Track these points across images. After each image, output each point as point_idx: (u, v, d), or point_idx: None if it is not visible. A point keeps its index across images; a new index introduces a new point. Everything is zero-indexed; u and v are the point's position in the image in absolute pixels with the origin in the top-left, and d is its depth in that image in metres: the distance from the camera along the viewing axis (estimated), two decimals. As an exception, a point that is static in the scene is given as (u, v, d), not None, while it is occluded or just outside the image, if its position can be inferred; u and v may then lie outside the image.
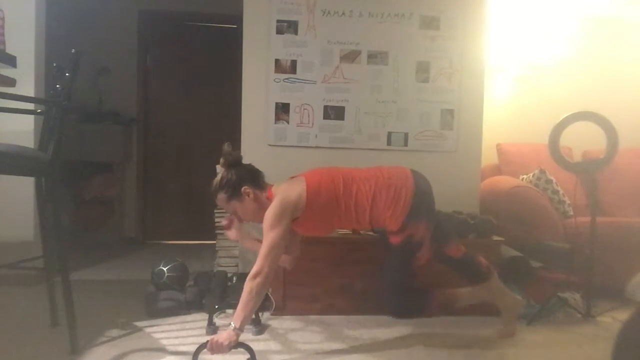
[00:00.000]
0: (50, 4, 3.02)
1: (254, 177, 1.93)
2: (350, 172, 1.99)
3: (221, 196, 1.90)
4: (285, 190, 1.88)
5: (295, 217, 1.86)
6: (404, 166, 2.08)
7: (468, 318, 2.33)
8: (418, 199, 1.92)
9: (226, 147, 1.91)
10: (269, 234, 1.78)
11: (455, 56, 2.87)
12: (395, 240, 1.92)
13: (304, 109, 2.83)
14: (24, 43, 2.77)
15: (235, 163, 1.91)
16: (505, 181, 3.07)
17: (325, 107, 2.84)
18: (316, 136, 2.84)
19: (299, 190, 1.87)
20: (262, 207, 1.88)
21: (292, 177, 2.01)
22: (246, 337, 2.04)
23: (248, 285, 1.70)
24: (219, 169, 2.84)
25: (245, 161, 2.79)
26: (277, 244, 1.77)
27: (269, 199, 1.88)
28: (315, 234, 2.09)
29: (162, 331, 2.11)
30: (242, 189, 1.87)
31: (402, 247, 1.93)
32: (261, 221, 1.87)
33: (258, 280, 1.69)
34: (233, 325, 1.67)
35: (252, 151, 2.83)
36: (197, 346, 1.68)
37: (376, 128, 2.86)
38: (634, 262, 2.60)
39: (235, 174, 1.88)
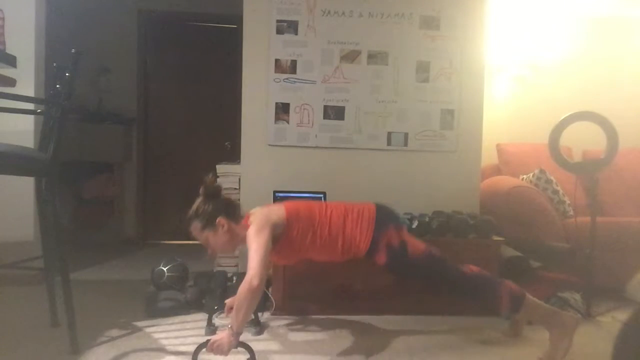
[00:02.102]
0: (50, 4, 3.02)
1: (229, 210, 1.92)
2: (324, 203, 2.06)
3: (195, 225, 1.89)
4: (264, 211, 1.90)
5: (274, 234, 1.84)
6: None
7: (468, 318, 2.34)
8: (380, 212, 1.97)
9: (209, 177, 1.93)
10: (255, 240, 1.77)
11: (455, 56, 2.87)
12: (380, 259, 1.91)
13: (304, 109, 2.83)
14: (24, 43, 2.77)
15: (214, 194, 1.92)
16: (505, 181, 3.07)
17: (325, 107, 2.84)
18: (316, 136, 2.84)
19: (278, 212, 1.89)
20: (234, 239, 1.91)
21: (271, 205, 2.03)
22: (246, 337, 2.04)
23: (244, 289, 1.68)
24: (219, 169, 2.86)
25: (245, 160, 2.82)
26: (265, 248, 1.76)
27: (245, 227, 1.87)
28: (287, 263, 2.14)
29: (162, 331, 2.11)
30: (217, 220, 1.87)
31: (408, 262, 1.91)
32: (231, 252, 1.95)
33: (254, 283, 1.68)
34: (232, 329, 1.66)
35: (252, 151, 2.84)
36: (196, 346, 1.68)
37: (376, 128, 2.86)
38: (634, 262, 2.60)
39: (212, 205, 1.89)
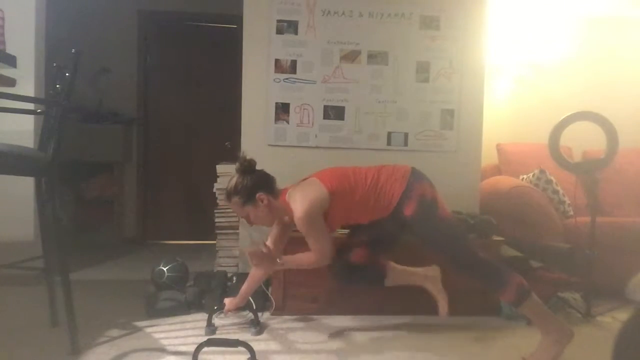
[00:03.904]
0: (50, 4, 3.02)
1: (268, 184, 2.00)
2: (355, 167, 2.10)
3: (235, 200, 1.96)
4: (303, 192, 1.93)
5: (322, 212, 1.92)
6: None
7: (469, 318, 2.34)
8: (415, 170, 2.04)
9: (242, 153, 2.00)
10: (313, 231, 1.89)
11: (455, 56, 2.87)
12: (409, 209, 1.91)
13: (304, 109, 2.83)
14: (24, 43, 2.77)
15: (250, 169, 1.99)
16: (505, 181, 3.07)
17: (325, 107, 2.84)
18: (316, 136, 2.84)
19: (317, 189, 1.93)
20: (274, 213, 1.98)
21: (304, 180, 2.05)
22: (246, 337, 2.04)
23: (310, 261, 1.91)
24: (219, 169, 2.86)
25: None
26: (324, 234, 1.90)
27: (283, 203, 1.96)
28: (349, 223, 2.16)
29: (162, 331, 2.12)
30: (257, 195, 1.93)
31: (434, 220, 1.94)
32: (271, 224, 2.04)
33: (322, 263, 1.89)
34: (281, 260, 1.85)
35: (252, 151, 2.80)
36: (197, 346, 1.68)
37: (376, 128, 2.86)
38: (634, 262, 2.59)
39: (250, 180, 1.95)
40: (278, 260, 1.91)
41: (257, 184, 1.96)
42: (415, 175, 1.99)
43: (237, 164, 1.98)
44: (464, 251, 1.93)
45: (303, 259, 1.94)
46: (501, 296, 1.90)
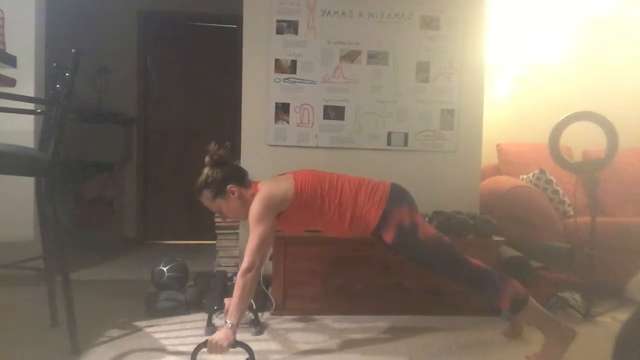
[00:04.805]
0: (50, 4, 3.02)
1: (238, 176, 1.94)
2: (337, 174, 2.02)
3: (206, 194, 1.91)
4: (270, 186, 1.89)
5: (280, 211, 1.86)
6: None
7: (469, 318, 2.34)
8: (394, 190, 1.95)
9: (212, 145, 1.92)
10: (257, 228, 1.78)
11: (455, 56, 2.87)
12: (388, 236, 1.88)
13: (304, 109, 2.83)
14: (24, 43, 2.77)
15: (220, 162, 1.92)
16: (505, 181, 3.07)
17: (325, 107, 2.84)
18: (316, 136, 2.84)
19: (285, 186, 1.88)
20: (246, 205, 1.88)
21: (281, 175, 2.01)
22: (246, 337, 2.04)
23: (241, 281, 1.71)
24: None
25: (245, 161, 2.82)
26: (265, 237, 1.78)
27: (255, 193, 1.88)
28: (294, 230, 2.11)
29: (162, 331, 2.11)
30: (227, 187, 1.88)
31: (416, 243, 1.88)
32: (245, 218, 1.89)
33: (250, 274, 1.70)
34: (229, 322, 1.67)
35: (252, 151, 2.83)
36: (195, 346, 1.67)
37: (376, 128, 2.86)
38: (634, 262, 2.60)
39: (220, 173, 1.89)
40: (229, 327, 1.67)
41: (227, 176, 1.89)
42: (394, 197, 1.92)
43: (207, 156, 1.91)
44: (454, 266, 1.90)
45: (237, 292, 1.71)
46: (497, 305, 1.90)
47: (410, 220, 1.88)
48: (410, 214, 1.90)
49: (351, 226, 1.92)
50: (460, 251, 1.92)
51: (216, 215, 2.82)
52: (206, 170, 1.91)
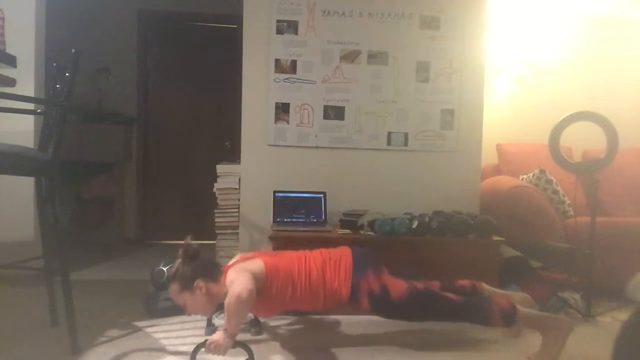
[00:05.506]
0: (50, 4, 3.02)
1: (208, 271, 1.89)
2: (302, 253, 2.01)
3: (174, 287, 1.86)
4: (242, 263, 1.88)
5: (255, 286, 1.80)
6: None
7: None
8: (356, 257, 1.96)
9: (187, 239, 1.90)
10: (238, 277, 1.74)
11: (455, 56, 2.87)
12: (363, 305, 1.90)
13: (304, 109, 2.83)
14: (24, 43, 2.77)
15: (193, 256, 1.89)
16: (505, 181, 3.07)
17: (325, 107, 2.84)
18: (316, 136, 2.84)
19: (258, 265, 1.86)
20: (212, 301, 1.87)
21: (245, 257, 1.98)
22: (245, 337, 2.04)
23: (232, 300, 1.65)
24: (219, 169, 2.86)
25: (245, 161, 2.82)
26: (249, 277, 1.74)
27: (225, 279, 1.84)
28: (267, 316, 2.17)
29: (162, 331, 2.12)
30: (195, 282, 1.84)
31: (392, 305, 1.89)
32: (209, 314, 1.96)
33: (243, 295, 1.65)
34: (226, 332, 1.65)
35: (252, 151, 2.84)
36: (195, 346, 1.67)
37: (376, 128, 2.86)
38: (634, 262, 2.59)
39: (190, 268, 1.86)
40: (226, 335, 1.66)
41: (196, 271, 1.85)
42: (357, 266, 1.92)
43: (181, 250, 1.89)
44: (434, 306, 1.91)
45: (229, 305, 1.67)
46: (490, 326, 1.91)
47: (378, 285, 1.89)
48: (377, 279, 1.91)
49: (325, 302, 1.92)
50: (437, 291, 1.94)
51: (216, 215, 2.83)
52: (177, 263, 1.88)
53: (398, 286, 1.91)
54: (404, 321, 2.02)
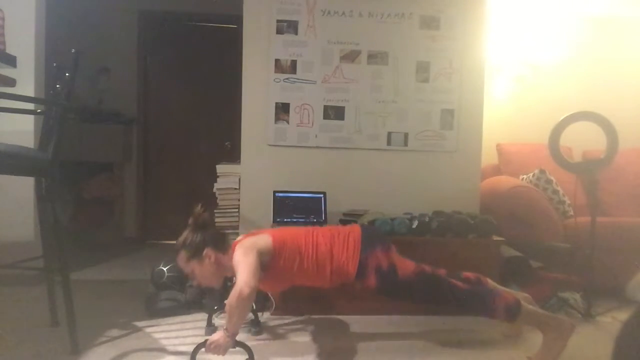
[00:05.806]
0: (50, 4, 3.02)
1: (218, 241, 1.89)
2: (310, 228, 2.02)
3: (182, 255, 1.87)
4: (250, 238, 1.88)
5: (262, 260, 1.82)
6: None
7: (469, 318, 2.33)
8: (365, 234, 1.96)
9: (198, 208, 1.90)
10: (243, 260, 1.74)
11: (455, 56, 2.87)
12: (370, 282, 1.89)
13: (304, 109, 2.83)
14: (24, 43, 2.77)
15: (203, 225, 1.90)
16: (505, 181, 3.07)
17: (325, 107, 2.84)
18: (316, 136, 2.84)
19: (265, 240, 1.87)
20: (220, 271, 1.88)
21: (254, 233, 1.98)
22: (246, 337, 2.04)
23: (234, 297, 1.65)
24: (219, 169, 2.86)
25: (245, 160, 2.82)
26: (254, 264, 1.74)
27: (233, 254, 1.84)
28: (276, 290, 2.14)
29: (162, 331, 2.12)
30: (204, 251, 1.85)
31: (399, 283, 1.89)
32: (217, 284, 1.94)
33: (244, 292, 1.64)
34: (227, 332, 1.65)
35: (252, 151, 2.84)
36: (195, 346, 1.67)
37: (376, 128, 2.86)
38: (634, 262, 2.59)
39: (200, 236, 1.86)
40: (226, 335, 1.65)
41: (206, 240, 1.86)
42: (366, 242, 1.92)
43: (191, 218, 1.89)
44: (440, 290, 1.90)
45: (231, 303, 1.66)
46: (492, 319, 1.92)
47: (387, 262, 1.89)
48: (385, 256, 1.91)
49: (332, 279, 1.92)
50: (444, 277, 1.94)
51: (216, 215, 2.83)
52: (186, 232, 1.89)
53: (406, 265, 1.92)
54: (407, 301, 2.01)
